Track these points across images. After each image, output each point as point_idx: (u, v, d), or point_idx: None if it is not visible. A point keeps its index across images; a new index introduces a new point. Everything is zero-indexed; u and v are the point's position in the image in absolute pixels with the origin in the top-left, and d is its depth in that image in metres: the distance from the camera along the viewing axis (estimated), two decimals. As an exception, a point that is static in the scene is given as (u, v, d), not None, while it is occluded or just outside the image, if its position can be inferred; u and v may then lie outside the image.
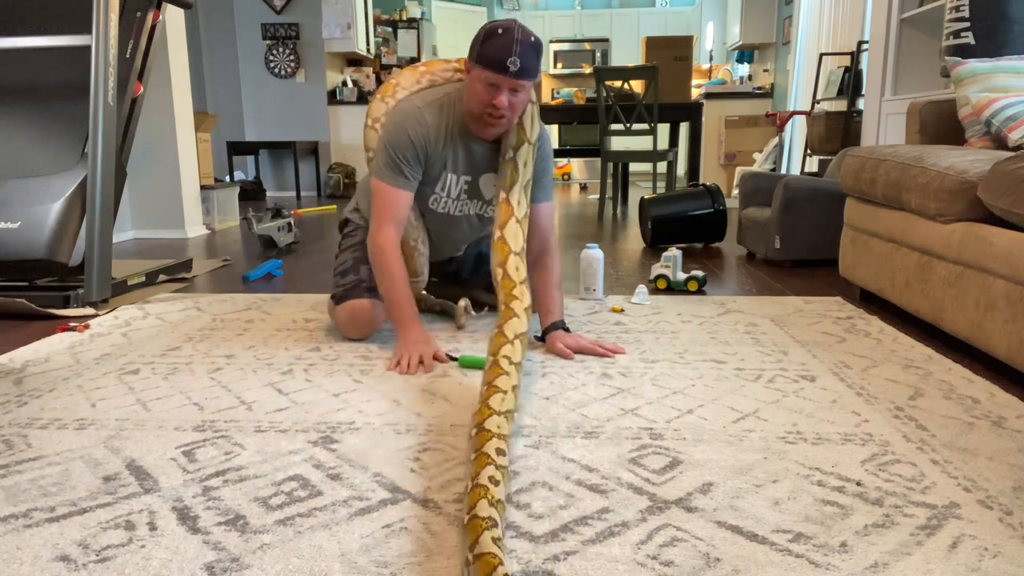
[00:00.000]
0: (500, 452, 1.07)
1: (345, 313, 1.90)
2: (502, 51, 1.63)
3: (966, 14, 2.39)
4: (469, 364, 1.69)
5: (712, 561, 0.91)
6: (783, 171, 6.48)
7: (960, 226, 1.75)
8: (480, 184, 1.90)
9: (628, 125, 4.79)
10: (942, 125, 2.48)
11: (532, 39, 1.66)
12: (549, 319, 1.84)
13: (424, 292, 2.22)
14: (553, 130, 7.74)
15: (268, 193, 7.27)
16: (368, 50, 7.55)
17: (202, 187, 4.35)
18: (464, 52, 1.81)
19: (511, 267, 1.69)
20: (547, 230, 1.93)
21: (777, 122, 6.37)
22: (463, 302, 2.06)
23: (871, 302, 2.36)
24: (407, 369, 1.66)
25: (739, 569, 0.89)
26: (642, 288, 2.36)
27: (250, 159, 7.26)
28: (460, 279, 2.23)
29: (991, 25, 2.35)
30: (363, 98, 7.32)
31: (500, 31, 1.65)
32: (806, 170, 5.67)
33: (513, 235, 1.74)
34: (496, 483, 0.97)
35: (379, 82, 7.78)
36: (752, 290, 2.58)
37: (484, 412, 1.20)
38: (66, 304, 2.29)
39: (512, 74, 1.65)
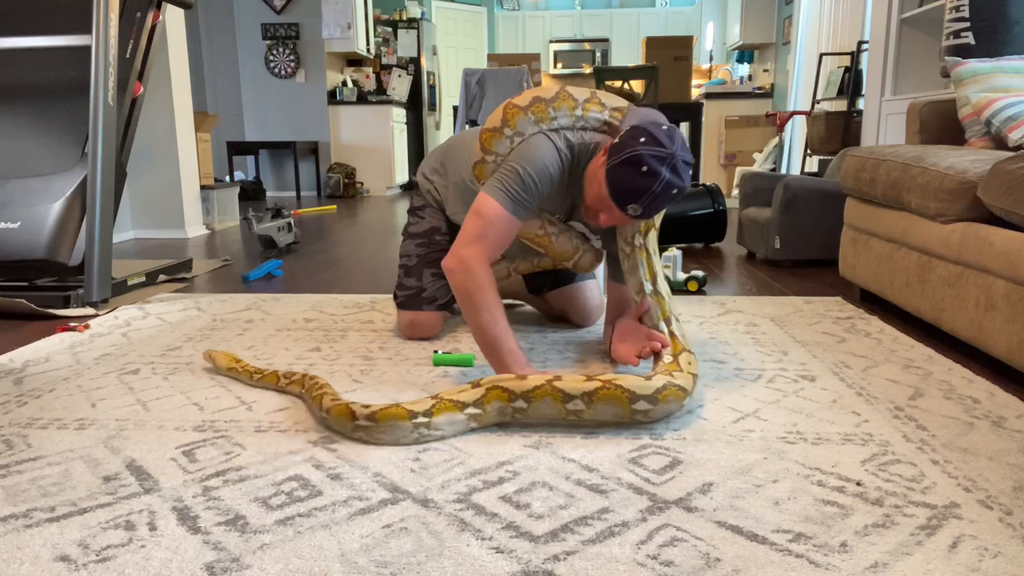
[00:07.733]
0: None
1: (406, 321, 1.94)
2: (633, 192, 1.43)
3: (966, 14, 2.39)
4: (442, 362, 1.71)
5: (712, 561, 0.91)
6: (783, 171, 6.48)
7: (960, 226, 1.75)
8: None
9: (628, 125, 4.78)
10: (942, 125, 2.48)
11: (673, 192, 1.44)
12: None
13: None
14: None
15: (268, 193, 7.28)
16: (368, 50, 7.55)
17: (202, 187, 4.36)
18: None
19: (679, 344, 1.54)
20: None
21: (777, 122, 6.37)
22: None
23: (871, 302, 2.36)
24: None
25: (739, 569, 0.89)
26: (642, 288, 2.36)
27: (250, 159, 7.27)
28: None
29: (991, 25, 2.35)
30: (363, 98, 7.32)
31: (644, 169, 1.40)
32: (806, 170, 5.67)
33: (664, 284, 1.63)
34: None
35: (379, 82, 7.78)
36: (752, 290, 2.58)
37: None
38: (66, 304, 2.29)
39: (628, 215, 1.49)
